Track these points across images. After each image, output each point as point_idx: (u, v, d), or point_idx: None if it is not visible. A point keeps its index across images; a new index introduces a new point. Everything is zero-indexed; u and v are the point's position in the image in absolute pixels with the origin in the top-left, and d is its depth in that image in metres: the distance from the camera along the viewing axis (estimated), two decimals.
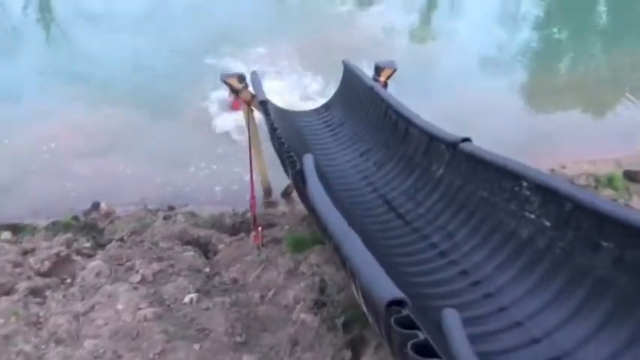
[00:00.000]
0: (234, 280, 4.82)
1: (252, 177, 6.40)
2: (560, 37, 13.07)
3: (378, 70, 6.45)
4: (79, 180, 7.80)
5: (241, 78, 6.70)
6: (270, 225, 6.44)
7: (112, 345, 3.63)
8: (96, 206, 7.32)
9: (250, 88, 6.56)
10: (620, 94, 9.86)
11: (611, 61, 11.47)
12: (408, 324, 2.36)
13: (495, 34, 12.54)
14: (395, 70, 6.47)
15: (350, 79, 6.76)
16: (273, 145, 5.78)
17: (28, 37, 12.53)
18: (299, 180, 4.47)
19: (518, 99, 9.99)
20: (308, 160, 4.68)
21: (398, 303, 2.48)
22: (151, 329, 3.78)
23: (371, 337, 3.67)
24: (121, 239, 5.85)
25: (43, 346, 3.83)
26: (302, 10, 13.38)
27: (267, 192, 7.60)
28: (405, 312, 2.45)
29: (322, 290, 4.45)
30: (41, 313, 4.20)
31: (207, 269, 5.14)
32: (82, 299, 4.44)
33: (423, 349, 2.19)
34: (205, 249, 5.69)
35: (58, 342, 3.86)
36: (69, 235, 6.10)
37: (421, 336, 2.25)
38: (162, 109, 9.11)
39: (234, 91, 6.71)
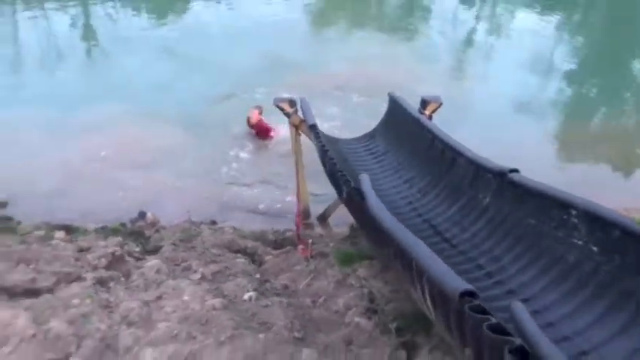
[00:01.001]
0: (285, 287, 5.11)
1: (299, 194, 6.74)
2: (595, 88, 13.41)
3: (424, 103, 6.82)
4: (126, 190, 8.18)
5: (292, 103, 7.13)
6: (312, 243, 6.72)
7: (184, 328, 3.92)
8: (142, 215, 7.66)
9: (299, 113, 6.92)
10: None
11: None
12: (480, 312, 2.67)
13: (530, 82, 12.84)
14: (440, 105, 6.84)
15: (395, 110, 7.08)
16: (324, 165, 6.14)
17: (80, 57, 13.25)
18: (355, 195, 4.80)
19: (554, 145, 10.23)
20: (365, 178, 5.04)
21: (469, 294, 2.79)
22: (219, 317, 4.07)
23: (423, 342, 3.93)
24: (174, 244, 6.15)
25: (116, 327, 4.12)
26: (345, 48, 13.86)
27: (306, 214, 7.88)
28: (476, 301, 2.76)
29: (371, 301, 4.73)
30: (111, 299, 4.50)
31: (257, 275, 5.42)
32: (146, 290, 4.74)
33: (497, 330, 2.49)
34: (252, 258, 5.96)
35: (130, 324, 4.14)
36: (119, 238, 6.42)
37: (493, 320, 2.56)
38: (209, 131, 9.51)
39: (286, 115, 7.10)
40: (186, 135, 9.48)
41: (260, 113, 9.10)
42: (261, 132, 9.40)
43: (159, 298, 4.48)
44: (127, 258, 5.92)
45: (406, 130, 6.59)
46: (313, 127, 6.37)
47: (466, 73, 13.50)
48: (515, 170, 4.71)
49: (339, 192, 5.62)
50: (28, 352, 3.57)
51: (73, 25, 15.20)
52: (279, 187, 8.51)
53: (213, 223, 7.76)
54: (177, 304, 4.29)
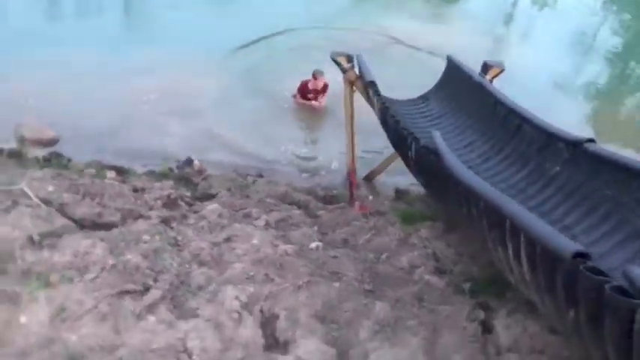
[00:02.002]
0: (345, 241, 5.07)
1: (353, 149, 6.67)
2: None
3: (485, 68, 6.65)
4: (173, 135, 8.16)
5: (350, 58, 6.98)
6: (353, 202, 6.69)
7: (260, 270, 3.91)
8: (189, 162, 7.63)
9: (356, 69, 6.79)
10: None
11: None
12: (596, 273, 2.60)
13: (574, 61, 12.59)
14: (502, 70, 6.68)
15: (453, 73, 6.92)
16: (384, 123, 6.05)
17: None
18: (427, 153, 4.73)
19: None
20: (437, 136, 4.95)
21: (582, 255, 2.72)
22: (293, 263, 4.06)
23: (498, 305, 3.89)
24: (229, 190, 6.13)
25: (187, 265, 4.12)
26: None
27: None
28: (590, 263, 2.69)
29: (436, 260, 4.69)
30: (179, 238, 4.49)
31: (315, 227, 5.39)
32: (212, 233, 4.73)
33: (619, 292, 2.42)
34: (307, 212, 5.92)
35: (202, 264, 4.14)
36: (171, 182, 6.41)
37: (614, 282, 2.49)
38: (261, 86, 9.44)
39: (342, 70, 6.97)
40: (235, 84, 9.40)
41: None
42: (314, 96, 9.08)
43: (227, 240, 4.47)
44: (180, 202, 5.90)
45: (466, 94, 6.46)
46: (372, 84, 6.27)
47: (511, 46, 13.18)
48: (592, 140, 4.62)
49: (405, 150, 5.54)
50: (109, 280, 3.57)
51: None
52: (323, 146, 8.44)
53: (260, 176, 7.72)
54: (248, 248, 4.28)
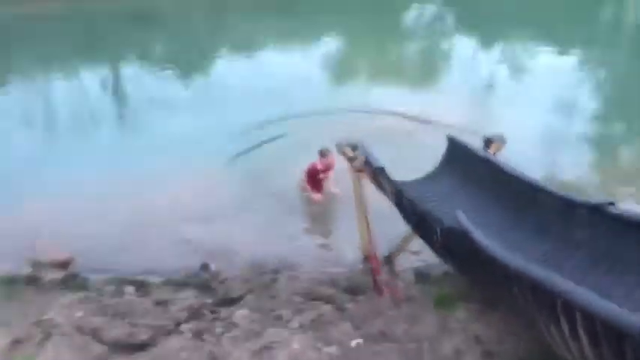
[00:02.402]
0: (383, 333, 4.96)
1: (369, 235, 6.65)
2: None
3: (487, 142, 6.77)
4: (186, 242, 8.11)
5: (354, 147, 7.10)
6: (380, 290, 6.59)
7: None
8: (205, 267, 7.57)
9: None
10: None
11: None
12: None
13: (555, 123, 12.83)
14: (504, 143, 6.79)
15: (456, 151, 7.01)
16: (399, 206, 6.06)
17: (120, 119, 13.50)
18: (454, 235, 4.71)
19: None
20: (462, 216, 4.95)
21: None
22: None
23: None
24: (252, 292, 6.04)
25: None
26: None
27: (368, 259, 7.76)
28: None
29: (480, 343, 4.58)
30: (216, 350, 4.37)
31: (349, 322, 5.27)
32: (249, 340, 4.60)
33: None
34: (335, 306, 5.82)
35: None
36: (195, 291, 6.32)
37: None
38: (266, 185, 9.53)
39: (349, 160, 7.07)
40: (242, 185, 9.48)
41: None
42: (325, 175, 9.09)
43: (266, 347, 4.36)
44: (204, 311, 5.81)
45: (473, 170, 6.51)
46: (381, 170, 6.34)
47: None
48: (612, 203, 4.64)
49: (427, 233, 5.52)
50: None
51: (117, 90, 15.54)
52: (338, 235, 8.43)
53: (275, 272, 7.64)
54: (290, 354, 4.17)
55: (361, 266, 7.63)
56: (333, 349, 4.14)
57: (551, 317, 3.44)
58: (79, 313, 4.55)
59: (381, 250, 7.51)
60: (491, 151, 6.76)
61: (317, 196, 8.92)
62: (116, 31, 18.45)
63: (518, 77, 17.04)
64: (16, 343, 3.89)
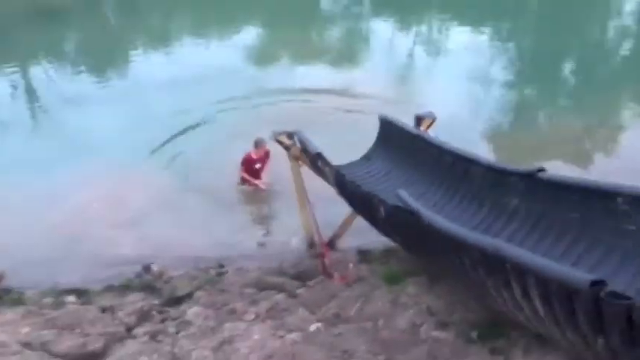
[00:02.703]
0: (337, 315, 5.04)
1: (314, 221, 6.71)
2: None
3: (418, 120, 6.95)
4: (122, 244, 7.89)
5: (290, 135, 7.13)
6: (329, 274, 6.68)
7: None
8: (147, 268, 7.39)
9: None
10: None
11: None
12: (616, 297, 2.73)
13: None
14: (434, 120, 6.99)
15: (388, 130, 7.17)
16: (341, 189, 6.14)
17: (33, 121, 12.76)
18: (399, 213, 4.83)
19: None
20: (405, 194, 5.06)
21: (597, 283, 2.85)
22: (305, 351, 3.98)
23: (510, 346, 3.95)
24: (202, 289, 5.97)
25: None
26: None
27: (312, 245, 7.82)
28: (608, 288, 2.82)
29: (433, 315, 4.74)
30: (176, 350, 4.31)
31: (303, 308, 5.32)
32: (206, 337, 4.57)
33: None
34: (288, 294, 5.85)
35: None
36: (141, 293, 6.18)
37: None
38: (198, 179, 9.29)
39: (286, 148, 7.10)
40: (172, 182, 9.23)
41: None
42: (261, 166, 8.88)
43: (226, 342, 4.34)
44: (153, 312, 5.70)
45: (406, 148, 6.67)
46: (319, 156, 6.38)
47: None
48: (542, 169, 4.87)
49: (371, 213, 5.63)
50: None
51: (25, 90, 14.61)
52: (277, 224, 8.44)
53: (221, 266, 7.57)
54: (252, 345, 4.18)
55: (307, 252, 7.69)
56: (293, 336, 4.17)
57: (501, 283, 3.57)
58: (25, 329, 4.36)
59: (324, 234, 7.59)
60: (422, 128, 6.93)
61: (261, 182, 8.81)
62: (19, 29, 17.33)
63: (438, 53, 17.46)
64: None
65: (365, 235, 7.70)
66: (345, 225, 7.42)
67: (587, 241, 4.22)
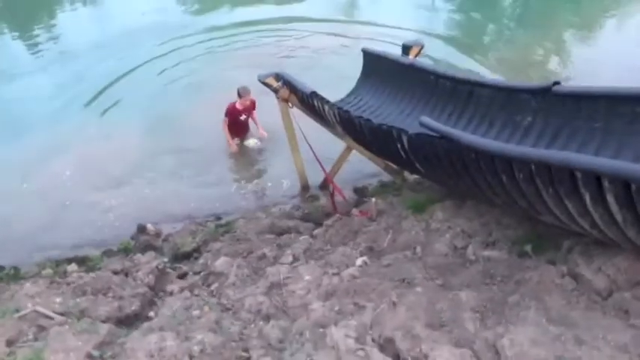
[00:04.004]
0: (370, 248, 4.94)
1: (320, 163, 6.55)
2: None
3: (406, 48, 6.75)
4: (109, 208, 7.54)
5: (278, 77, 6.85)
6: (328, 214, 6.59)
7: (340, 302, 3.67)
8: (142, 229, 7.11)
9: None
10: None
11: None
12: None
13: None
14: (422, 47, 6.83)
15: (374, 63, 6.99)
16: (347, 127, 5.97)
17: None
18: (420, 141, 4.69)
19: None
20: (429, 120, 4.92)
21: None
22: (366, 284, 3.86)
23: (568, 255, 3.94)
24: (219, 241, 5.76)
25: (252, 325, 3.78)
26: None
27: (306, 188, 7.71)
28: None
29: (471, 237, 4.71)
30: (224, 302, 4.12)
31: (328, 246, 5.21)
32: (250, 284, 4.39)
33: None
34: (308, 235, 5.72)
35: (267, 317, 3.82)
36: (152, 252, 5.93)
37: None
38: (172, 132, 8.92)
39: (274, 90, 6.83)
40: (144, 139, 8.81)
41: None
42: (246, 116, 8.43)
43: (275, 286, 4.16)
44: (167, 269, 5.48)
45: (396, 79, 6.52)
46: (315, 95, 6.16)
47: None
48: (558, 82, 4.82)
49: (388, 146, 5.48)
50: None
51: None
52: (268, 170, 8.23)
53: (218, 218, 7.37)
54: (306, 285, 4.02)
55: (302, 195, 7.56)
56: (351, 271, 4.03)
57: (566, 193, 3.52)
58: (58, 299, 4.03)
59: (317, 175, 7.46)
60: (411, 56, 6.76)
61: (233, 146, 8.27)
62: None
63: None
64: (11, 343, 3.36)
65: (359, 172, 7.70)
66: (339, 162, 7.29)
67: (612, 148, 4.21)
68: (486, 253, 4.22)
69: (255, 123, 8.37)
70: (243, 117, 8.21)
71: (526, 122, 5.02)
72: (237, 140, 8.34)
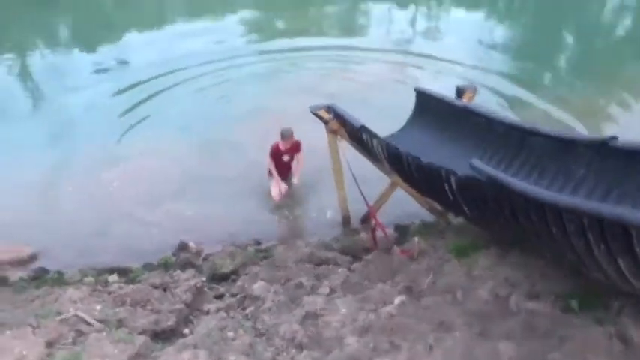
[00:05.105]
0: (408, 288, 4.87)
1: (364, 197, 6.52)
2: None
3: (460, 92, 6.76)
4: (155, 224, 7.68)
5: (329, 109, 6.91)
6: (368, 249, 6.55)
7: (375, 339, 3.62)
8: (183, 246, 7.20)
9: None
10: None
11: None
12: None
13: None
14: (476, 91, 6.80)
15: (426, 103, 6.97)
16: (394, 164, 5.95)
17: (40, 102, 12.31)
18: (468, 184, 4.63)
19: None
20: (479, 163, 4.87)
21: None
22: (403, 323, 3.82)
23: (617, 315, 3.79)
24: (257, 265, 5.79)
25: (285, 353, 3.76)
26: None
27: (347, 220, 7.68)
28: None
29: (514, 286, 4.60)
30: (259, 326, 4.11)
31: (367, 281, 5.16)
32: (285, 312, 4.38)
33: None
34: (346, 268, 5.69)
35: (301, 346, 3.80)
36: (193, 270, 5.99)
37: None
38: (223, 155, 9.09)
39: (324, 122, 6.88)
40: (191, 159, 8.99)
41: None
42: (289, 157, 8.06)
43: (310, 316, 4.14)
44: (205, 288, 5.52)
45: (448, 120, 6.48)
46: (364, 129, 6.18)
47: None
48: (614, 137, 4.72)
49: (436, 186, 5.44)
50: None
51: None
52: (311, 200, 8.24)
53: (258, 242, 7.41)
54: (342, 319, 3.99)
55: (343, 228, 7.54)
56: (389, 309, 3.99)
57: (619, 249, 3.42)
58: (98, 306, 4.12)
59: (358, 209, 7.43)
60: (465, 99, 6.75)
61: (275, 192, 8.00)
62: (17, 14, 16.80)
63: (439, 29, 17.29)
64: (51, 344, 3.43)
65: (402, 210, 7.64)
66: (384, 198, 7.26)
67: None
68: (529, 304, 4.11)
69: (295, 169, 7.96)
70: (286, 158, 7.86)
71: (579, 175, 4.92)
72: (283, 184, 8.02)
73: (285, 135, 7.64)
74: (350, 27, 16.38)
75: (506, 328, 3.96)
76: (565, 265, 4.34)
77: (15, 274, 6.14)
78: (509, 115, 5.50)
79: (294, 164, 7.97)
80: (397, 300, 4.30)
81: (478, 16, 17.08)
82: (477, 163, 4.78)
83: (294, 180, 7.99)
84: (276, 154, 7.85)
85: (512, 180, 4.24)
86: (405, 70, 12.50)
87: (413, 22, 17.04)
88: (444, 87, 7.39)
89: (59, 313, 3.82)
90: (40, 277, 6.12)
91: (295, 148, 7.87)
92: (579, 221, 3.47)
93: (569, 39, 15.44)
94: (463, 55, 13.00)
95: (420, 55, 13.51)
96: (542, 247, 4.50)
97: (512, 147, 5.46)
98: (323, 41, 14.31)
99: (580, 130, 9.31)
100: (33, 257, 6.70)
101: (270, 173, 8.02)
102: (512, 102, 10.65)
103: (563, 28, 15.84)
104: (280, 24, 16.42)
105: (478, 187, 4.48)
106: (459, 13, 17.93)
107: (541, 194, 3.75)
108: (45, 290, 4.70)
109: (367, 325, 3.79)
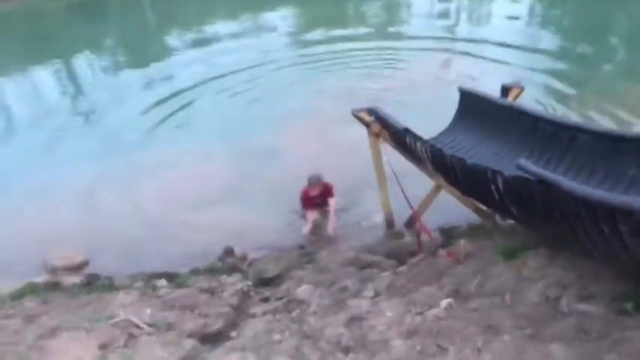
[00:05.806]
0: (456, 291, 4.80)
1: (408, 200, 6.47)
2: None
3: (505, 90, 6.65)
4: (201, 229, 7.80)
5: (371, 112, 6.89)
6: (413, 252, 6.47)
7: (422, 342, 3.58)
8: (229, 251, 7.29)
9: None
10: None
11: None
12: None
13: None
14: (523, 89, 6.68)
15: (470, 103, 6.87)
16: (439, 166, 5.88)
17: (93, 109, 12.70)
18: (515, 185, 4.54)
19: None
20: (527, 163, 4.77)
21: None
22: (450, 326, 3.76)
23: None
24: (301, 269, 5.81)
25: (331, 357, 3.75)
26: None
27: (391, 224, 7.63)
28: None
29: (565, 288, 4.47)
30: (305, 328, 4.12)
31: (412, 285, 5.11)
32: (331, 315, 4.37)
33: None
34: (392, 271, 5.65)
35: (347, 350, 3.78)
36: (239, 274, 6.06)
37: None
38: (264, 160, 9.22)
39: (366, 125, 6.87)
40: (236, 167, 9.14)
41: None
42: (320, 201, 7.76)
43: (356, 319, 4.13)
44: (251, 293, 5.57)
45: (493, 120, 6.38)
46: (407, 132, 6.13)
47: None
48: None
49: (483, 187, 5.35)
50: None
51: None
52: (357, 204, 8.22)
53: (302, 247, 7.43)
54: (388, 322, 3.96)
55: (387, 231, 7.49)
56: (435, 312, 3.94)
57: None
58: (148, 310, 4.21)
59: (402, 212, 7.37)
60: (510, 98, 6.65)
61: (305, 230, 7.58)
62: (66, 26, 17.43)
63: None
64: (103, 347, 3.53)
65: (446, 213, 7.54)
66: (428, 201, 7.19)
67: None
68: (581, 306, 4.00)
69: (330, 219, 7.63)
70: (317, 202, 7.65)
71: (630, 174, 4.79)
72: (315, 214, 7.72)
73: (312, 182, 7.44)
74: (390, 25, 16.28)
75: (557, 330, 3.86)
76: (618, 267, 4.21)
77: (68, 280, 6.31)
78: (556, 114, 5.30)
79: (330, 207, 7.70)
80: (444, 303, 4.24)
81: (524, 9, 16.65)
82: (523, 162, 4.69)
83: (329, 230, 7.52)
84: (306, 200, 7.72)
85: (561, 178, 4.14)
86: (449, 68, 12.37)
87: (455, 18, 16.82)
88: (489, 85, 7.27)
89: (111, 317, 3.92)
90: (91, 283, 6.27)
91: (326, 192, 7.66)
92: (632, 220, 3.37)
93: (625, 31, 14.94)
94: (509, 51, 12.77)
95: (463, 52, 13.32)
96: (594, 248, 4.38)
97: (560, 145, 5.35)
98: (363, 42, 14.27)
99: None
100: (84, 264, 6.89)
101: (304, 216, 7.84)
102: (562, 100, 10.37)
103: (619, 19, 15.33)
104: (319, 24, 16.45)
105: (526, 187, 4.40)
106: (504, 6, 17.55)
107: (591, 193, 3.65)
108: (96, 295, 4.82)
109: (413, 328, 3.75)
